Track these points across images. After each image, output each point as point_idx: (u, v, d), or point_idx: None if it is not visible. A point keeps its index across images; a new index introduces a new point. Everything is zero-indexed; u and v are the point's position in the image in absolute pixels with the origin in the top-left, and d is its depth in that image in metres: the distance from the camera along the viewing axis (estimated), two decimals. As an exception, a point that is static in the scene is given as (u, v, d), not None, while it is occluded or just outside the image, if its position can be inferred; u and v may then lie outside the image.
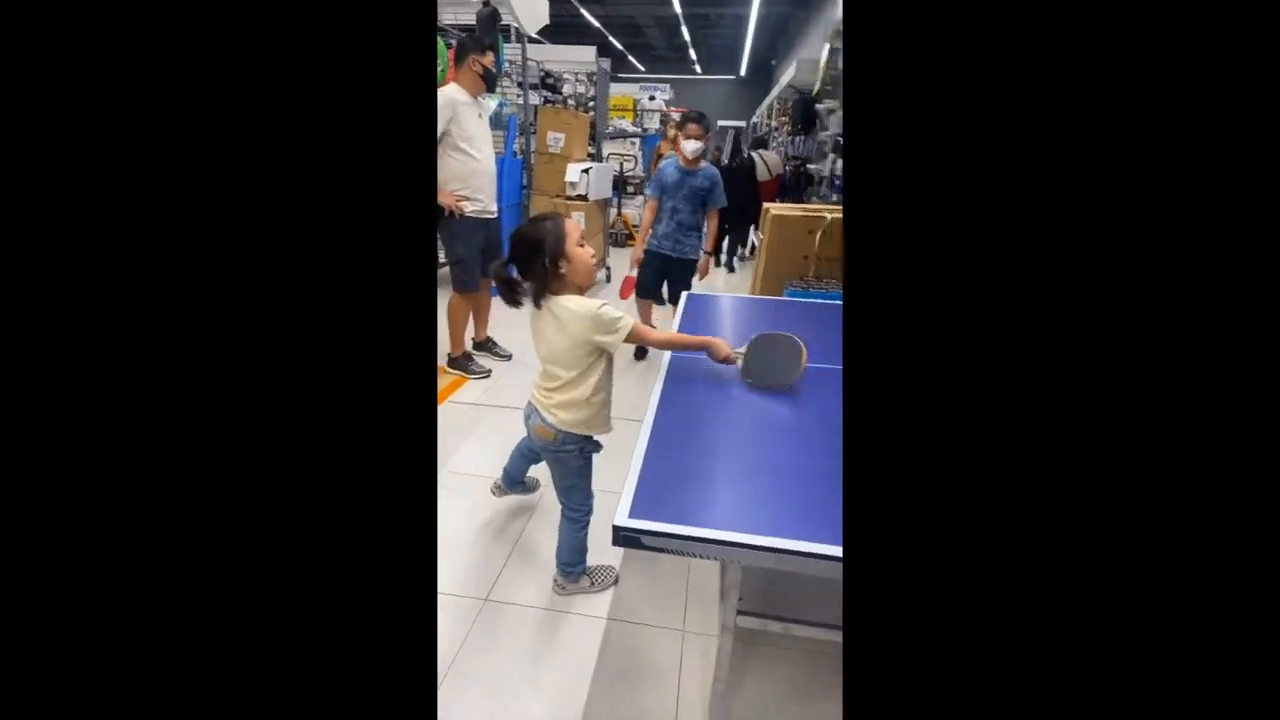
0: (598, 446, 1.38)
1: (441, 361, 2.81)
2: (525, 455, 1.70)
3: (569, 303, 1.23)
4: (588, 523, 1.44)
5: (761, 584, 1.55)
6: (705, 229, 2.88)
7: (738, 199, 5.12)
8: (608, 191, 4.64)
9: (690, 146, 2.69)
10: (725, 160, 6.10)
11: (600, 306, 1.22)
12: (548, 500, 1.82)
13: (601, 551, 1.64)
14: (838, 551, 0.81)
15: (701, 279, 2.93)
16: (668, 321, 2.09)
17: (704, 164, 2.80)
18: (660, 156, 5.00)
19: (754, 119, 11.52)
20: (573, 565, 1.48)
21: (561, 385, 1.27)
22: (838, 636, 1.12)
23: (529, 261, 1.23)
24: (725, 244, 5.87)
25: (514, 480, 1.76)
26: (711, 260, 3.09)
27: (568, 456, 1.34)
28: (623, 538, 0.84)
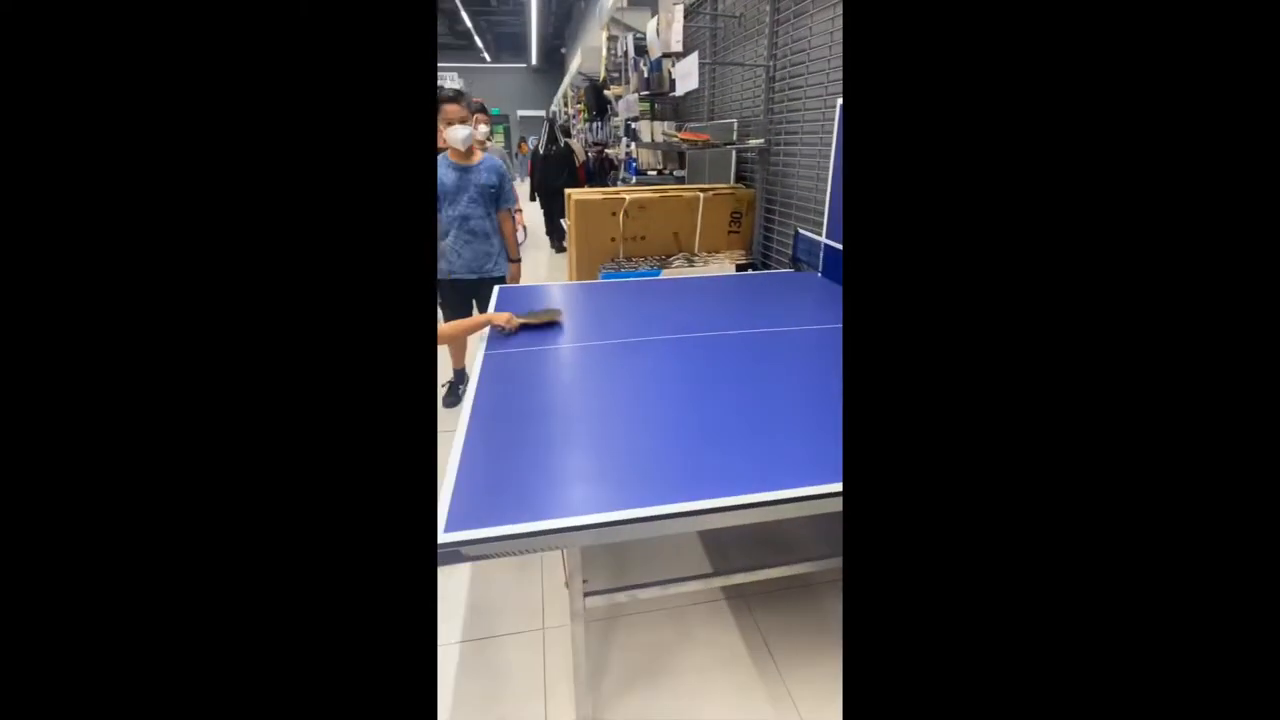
0: None
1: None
2: None
3: None
4: None
5: (606, 557, 1.59)
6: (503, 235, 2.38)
7: (562, 183, 5.15)
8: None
9: (459, 134, 2.13)
10: (541, 150, 6.03)
11: None
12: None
13: (453, 580, 1.55)
14: (659, 510, 0.85)
15: None
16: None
17: (484, 153, 2.30)
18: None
19: (552, 108, 11.50)
20: None
21: None
22: (684, 587, 1.19)
23: None
24: (556, 222, 5.86)
25: None
26: (521, 268, 2.51)
27: None
28: (443, 556, 0.79)
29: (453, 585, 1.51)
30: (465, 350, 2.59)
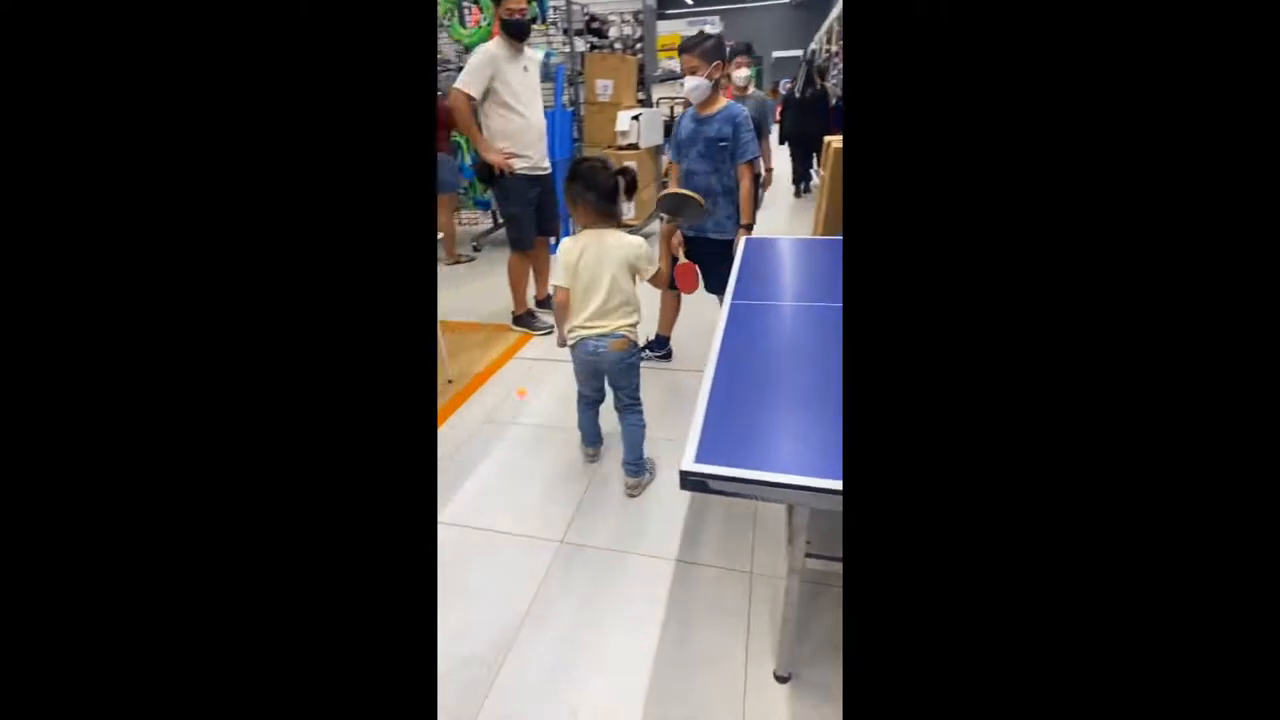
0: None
1: (506, 320, 2.90)
2: (589, 406, 1.80)
3: (620, 236, 1.58)
4: (642, 410, 1.71)
5: (830, 524, 1.55)
6: (738, 193, 2.10)
7: (816, 129, 4.86)
8: (659, 138, 4.50)
9: (687, 84, 2.01)
10: (798, 94, 5.74)
11: (643, 242, 1.59)
12: (610, 449, 1.88)
13: (669, 500, 1.70)
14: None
15: None
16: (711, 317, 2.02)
17: (724, 102, 2.08)
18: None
19: (811, 46, 10.68)
20: (638, 461, 1.71)
21: (619, 306, 1.58)
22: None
23: (585, 193, 1.54)
24: (807, 170, 5.65)
25: (594, 438, 1.87)
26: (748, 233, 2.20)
27: (635, 360, 1.65)
28: (690, 482, 0.86)
29: (675, 506, 1.66)
30: (677, 312, 2.44)
